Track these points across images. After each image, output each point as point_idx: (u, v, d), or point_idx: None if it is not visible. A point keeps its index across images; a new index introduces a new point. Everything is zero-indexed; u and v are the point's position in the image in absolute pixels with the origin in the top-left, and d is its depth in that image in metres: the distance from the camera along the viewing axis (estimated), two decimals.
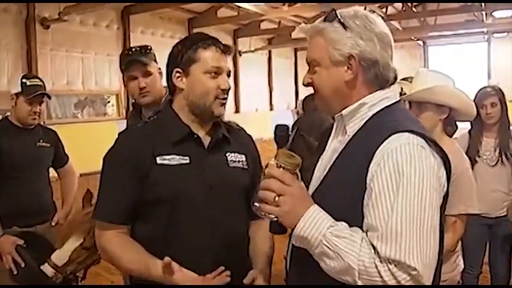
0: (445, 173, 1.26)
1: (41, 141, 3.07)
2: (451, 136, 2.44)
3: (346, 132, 1.37)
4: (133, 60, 2.44)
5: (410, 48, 16.88)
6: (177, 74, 1.69)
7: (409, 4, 13.32)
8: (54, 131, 3.41)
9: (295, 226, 1.21)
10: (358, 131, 1.34)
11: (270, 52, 16.06)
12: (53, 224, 3.01)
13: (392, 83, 1.39)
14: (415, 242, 1.12)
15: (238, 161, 1.74)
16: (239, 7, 11.28)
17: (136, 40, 10.87)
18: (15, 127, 2.95)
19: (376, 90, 1.35)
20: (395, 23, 14.16)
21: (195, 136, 1.69)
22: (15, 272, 2.69)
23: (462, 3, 12.13)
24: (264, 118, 14.09)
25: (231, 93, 15.03)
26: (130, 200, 1.62)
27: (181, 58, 1.68)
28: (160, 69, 2.47)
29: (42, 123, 8.51)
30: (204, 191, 1.63)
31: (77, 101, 9.94)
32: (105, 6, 9.23)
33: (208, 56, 1.66)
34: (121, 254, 1.60)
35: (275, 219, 1.26)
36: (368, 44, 1.31)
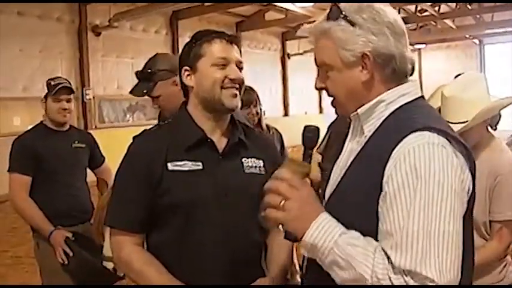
0: (469, 174, 1.15)
1: (76, 142, 3.13)
2: (496, 126, 2.25)
3: (363, 133, 1.27)
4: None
5: (465, 47, 16.35)
6: (186, 73, 1.66)
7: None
8: (89, 133, 3.49)
9: (304, 234, 1.11)
10: (375, 131, 1.23)
11: None
12: (92, 222, 3.08)
13: (411, 75, 1.27)
14: (433, 251, 1.03)
15: (255, 167, 1.66)
16: (287, 10, 11.23)
17: None
18: (50, 130, 3.02)
19: (395, 86, 1.24)
20: (449, 22, 13.73)
21: (209, 140, 1.63)
22: (66, 262, 2.79)
23: None
24: (314, 121, 13.90)
25: (280, 96, 15.13)
26: (144, 207, 1.58)
27: (187, 56, 1.65)
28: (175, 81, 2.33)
29: (94, 127, 8.96)
30: (218, 197, 1.57)
31: (128, 105, 10.14)
32: (154, 12, 9.36)
33: (214, 48, 1.62)
34: (147, 272, 1.56)
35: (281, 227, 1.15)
36: (380, 38, 1.20)
